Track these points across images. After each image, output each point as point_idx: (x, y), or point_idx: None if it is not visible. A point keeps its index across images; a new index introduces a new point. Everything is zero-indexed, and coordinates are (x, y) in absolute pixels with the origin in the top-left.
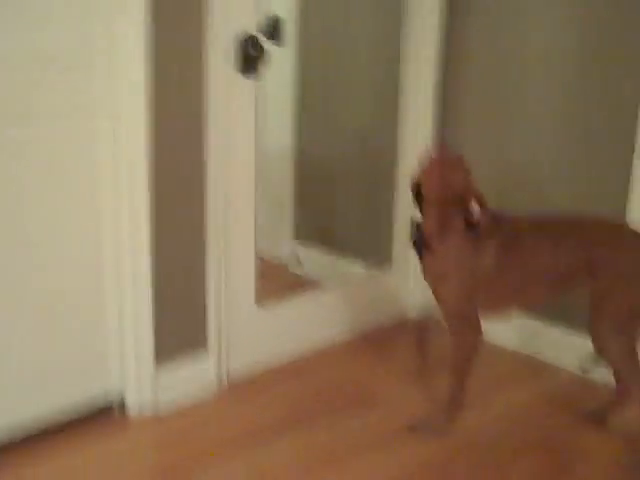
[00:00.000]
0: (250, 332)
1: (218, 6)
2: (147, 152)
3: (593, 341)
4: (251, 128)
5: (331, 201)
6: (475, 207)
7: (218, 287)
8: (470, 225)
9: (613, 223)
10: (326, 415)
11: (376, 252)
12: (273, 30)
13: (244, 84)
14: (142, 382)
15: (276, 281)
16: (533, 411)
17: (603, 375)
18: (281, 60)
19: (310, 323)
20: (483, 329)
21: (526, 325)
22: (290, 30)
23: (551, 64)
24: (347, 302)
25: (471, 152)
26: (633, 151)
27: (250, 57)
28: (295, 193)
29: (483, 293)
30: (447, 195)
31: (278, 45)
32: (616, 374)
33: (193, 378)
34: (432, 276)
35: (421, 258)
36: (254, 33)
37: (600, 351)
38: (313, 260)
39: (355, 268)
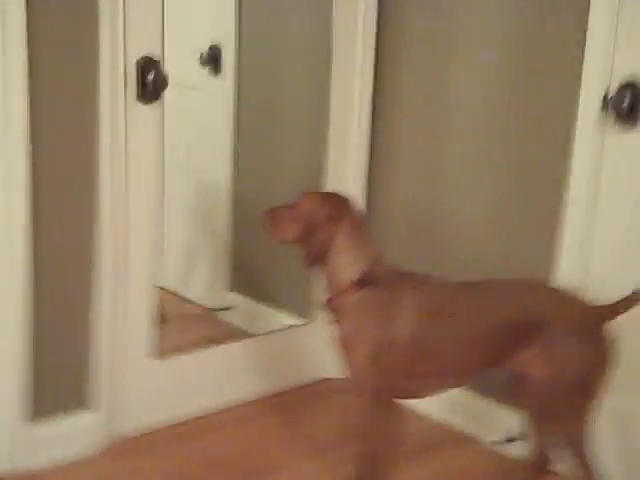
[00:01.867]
0: (145, 386)
1: (115, 29)
2: (26, 188)
3: (543, 423)
4: (155, 158)
5: (267, 248)
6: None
7: (107, 336)
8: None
9: (550, 287)
10: None
11: (302, 307)
12: (212, 59)
13: (144, 111)
14: (13, 440)
15: (201, 328)
16: None
17: (522, 450)
18: (219, 91)
19: (218, 379)
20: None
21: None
22: (229, 60)
23: (479, 114)
24: (264, 357)
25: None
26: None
27: (150, 83)
28: (233, 237)
29: (400, 369)
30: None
31: (215, 74)
32: (536, 449)
33: (74, 436)
34: (340, 342)
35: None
36: (155, 58)
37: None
38: (244, 310)
39: (285, 321)
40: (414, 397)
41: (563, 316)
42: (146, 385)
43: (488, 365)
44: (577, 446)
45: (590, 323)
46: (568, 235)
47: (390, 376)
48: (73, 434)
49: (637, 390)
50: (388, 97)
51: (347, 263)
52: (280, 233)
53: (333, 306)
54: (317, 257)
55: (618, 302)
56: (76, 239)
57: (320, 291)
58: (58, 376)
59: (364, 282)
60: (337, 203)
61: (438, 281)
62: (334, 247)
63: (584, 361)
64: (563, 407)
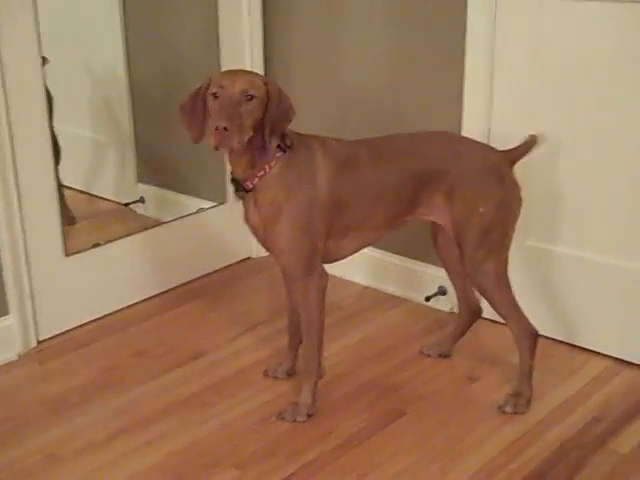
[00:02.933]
0: (62, 286)
1: None
2: None
3: (465, 270)
4: (30, 47)
5: (170, 136)
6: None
7: (14, 239)
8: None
9: (452, 136)
10: (143, 373)
11: (214, 190)
12: None
13: None
14: None
15: (116, 223)
16: (373, 348)
17: (448, 304)
18: None
19: (136, 270)
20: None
21: (371, 257)
22: None
23: None
24: (182, 244)
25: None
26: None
27: None
28: (135, 128)
29: (323, 227)
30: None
31: None
32: (462, 301)
33: None
34: (259, 220)
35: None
36: None
37: (470, 279)
38: (156, 200)
39: (196, 206)
40: (337, 258)
41: (467, 161)
42: (62, 284)
43: (402, 214)
44: (497, 290)
45: (494, 166)
46: (470, 85)
47: (317, 240)
48: None
49: (549, 231)
50: None
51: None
52: (242, 139)
53: (253, 186)
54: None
55: (518, 146)
56: None
57: (230, 175)
58: None
59: (284, 149)
60: (263, 78)
61: (339, 138)
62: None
63: (491, 200)
64: (481, 249)
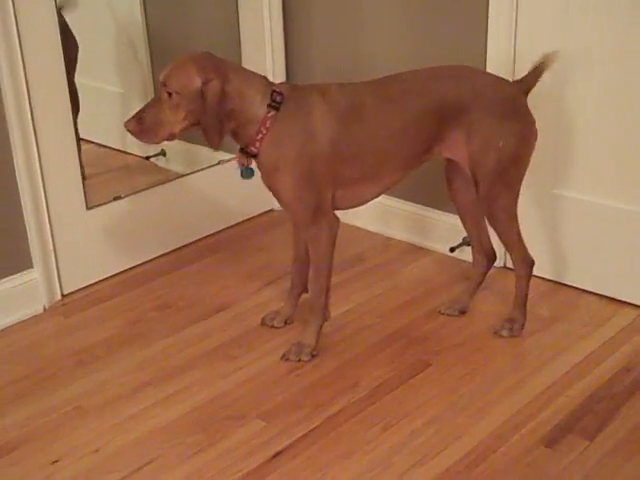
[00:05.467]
0: (82, 239)
1: None
2: None
3: (480, 203)
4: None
5: None
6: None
7: (35, 194)
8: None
9: (468, 69)
10: (168, 326)
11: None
12: None
13: None
14: None
15: (138, 176)
16: (398, 299)
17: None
18: None
19: (159, 222)
20: (337, 217)
21: (395, 208)
22: None
23: None
24: (203, 196)
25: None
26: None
27: None
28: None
29: (328, 178)
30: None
31: None
32: (477, 248)
33: (19, 296)
34: (263, 173)
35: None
36: None
37: (484, 211)
38: (178, 153)
39: (217, 158)
40: (356, 205)
41: (484, 94)
42: (84, 238)
43: (418, 154)
44: (507, 221)
45: (510, 98)
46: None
47: (323, 190)
48: (16, 296)
49: (561, 176)
50: None
51: (250, 103)
52: (161, 134)
53: (255, 149)
54: (222, 131)
55: (529, 73)
56: None
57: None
58: None
59: (275, 107)
60: (205, 63)
61: (343, 84)
62: (232, 100)
63: (510, 134)
64: (495, 185)
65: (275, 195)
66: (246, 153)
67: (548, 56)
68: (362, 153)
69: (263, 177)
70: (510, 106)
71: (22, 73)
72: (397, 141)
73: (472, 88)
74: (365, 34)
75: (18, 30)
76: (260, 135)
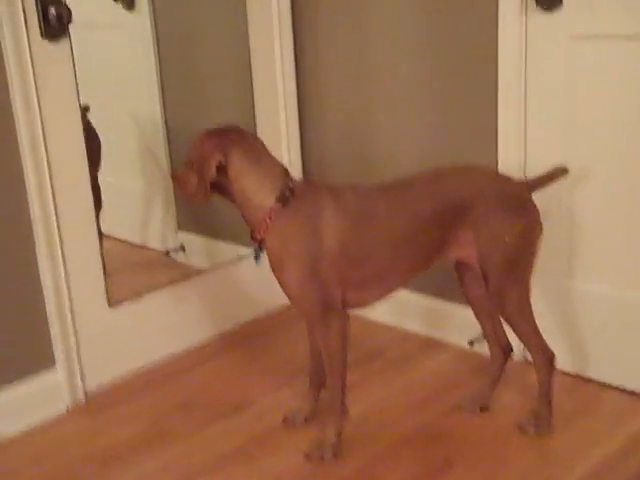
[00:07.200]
0: (104, 337)
1: None
2: None
3: (491, 299)
4: (69, 99)
5: None
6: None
7: (58, 291)
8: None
9: (472, 168)
10: (190, 426)
11: None
12: None
13: (50, 49)
14: None
15: (157, 272)
16: (418, 394)
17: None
18: (135, 27)
19: (177, 320)
20: (346, 313)
21: (412, 301)
22: None
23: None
24: (223, 291)
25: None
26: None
27: (53, 18)
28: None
29: (335, 278)
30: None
31: (129, 9)
32: (493, 342)
33: (41, 397)
34: (270, 262)
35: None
36: None
37: (496, 307)
38: (196, 247)
39: (235, 252)
40: (362, 306)
41: (487, 193)
42: (106, 336)
43: (428, 258)
44: (520, 316)
45: (515, 194)
46: (503, 120)
47: (330, 288)
48: (39, 396)
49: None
50: (308, 23)
51: (257, 189)
52: (187, 191)
53: (259, 236)
54: (206, 190)
55: (540, 176)
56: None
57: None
58: (15, 340)
59: (282, 201)
60: (220, 134)
61: (356, 187)
62: (234, 178)
63: (516, 229)
64: (505, 280)
65: (282, 289)
66: (254, 238)
67: (559, 169)
68: (371, 257)
69: (271, 267)
70: (514, 201)
71: (47, 171)
72: (407, 246)
73: (476, 185)
74: (375, 57)
75: (43, 130)
76: (264, 224)
